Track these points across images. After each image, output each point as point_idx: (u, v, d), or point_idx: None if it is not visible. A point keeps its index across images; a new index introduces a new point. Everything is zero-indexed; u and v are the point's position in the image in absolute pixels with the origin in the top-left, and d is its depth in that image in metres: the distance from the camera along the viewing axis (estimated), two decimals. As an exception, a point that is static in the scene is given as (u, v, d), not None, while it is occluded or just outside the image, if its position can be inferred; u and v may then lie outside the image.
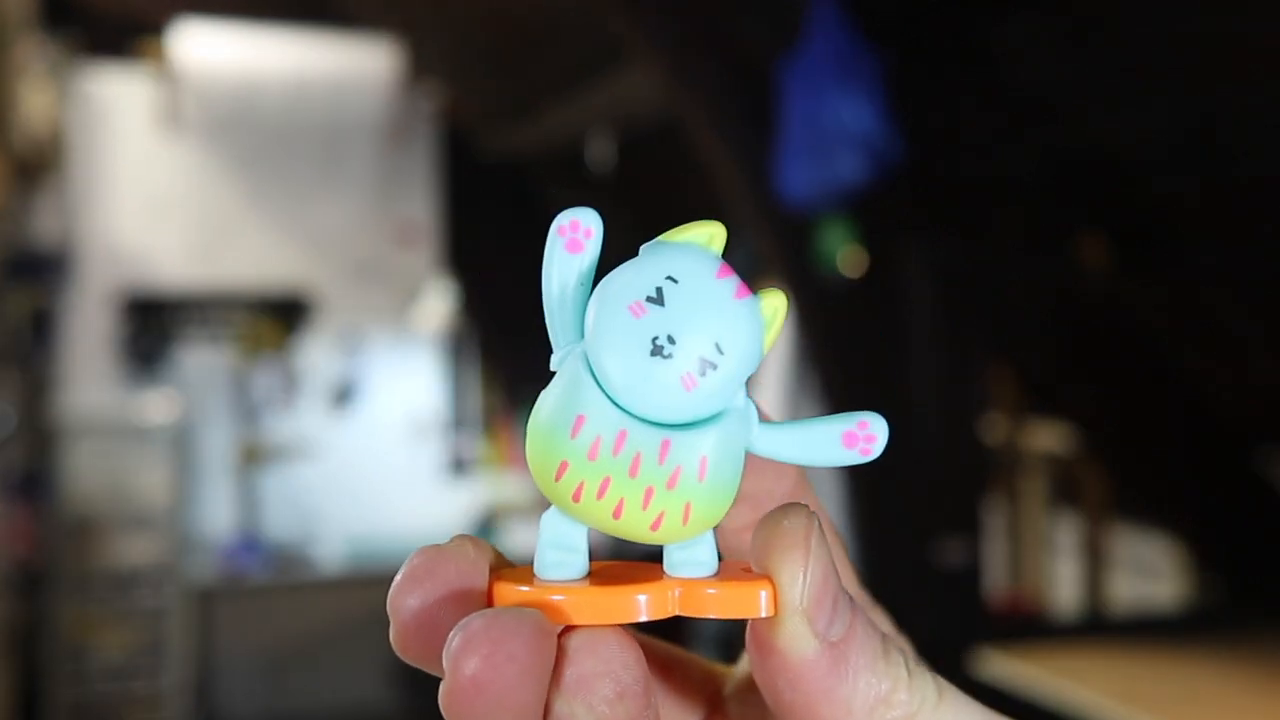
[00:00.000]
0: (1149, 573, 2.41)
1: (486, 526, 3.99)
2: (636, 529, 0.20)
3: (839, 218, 1.85)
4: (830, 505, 2.14)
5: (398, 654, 0.20)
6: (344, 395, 4.08)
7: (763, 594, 0.20)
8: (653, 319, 0.20)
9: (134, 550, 3.55)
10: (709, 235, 0.21)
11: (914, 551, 1.95)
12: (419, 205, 4.18)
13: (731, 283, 0.20)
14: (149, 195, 3.86)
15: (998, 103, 1.82)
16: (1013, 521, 2.63)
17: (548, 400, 0.20)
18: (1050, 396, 2.51)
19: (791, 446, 0.21)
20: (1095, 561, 2.46)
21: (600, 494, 0.20)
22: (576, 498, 0.20)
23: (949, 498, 2.00)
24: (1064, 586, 2.57)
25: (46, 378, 3.63)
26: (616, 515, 0.20)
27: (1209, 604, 2.24)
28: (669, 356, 0.20)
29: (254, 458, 3.92)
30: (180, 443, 3.70)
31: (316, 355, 4.06)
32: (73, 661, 3.44)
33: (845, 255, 1.89)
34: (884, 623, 0.26)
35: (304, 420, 4.03)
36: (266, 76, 3.93)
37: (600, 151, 3.40)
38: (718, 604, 0.20)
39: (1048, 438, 2.54)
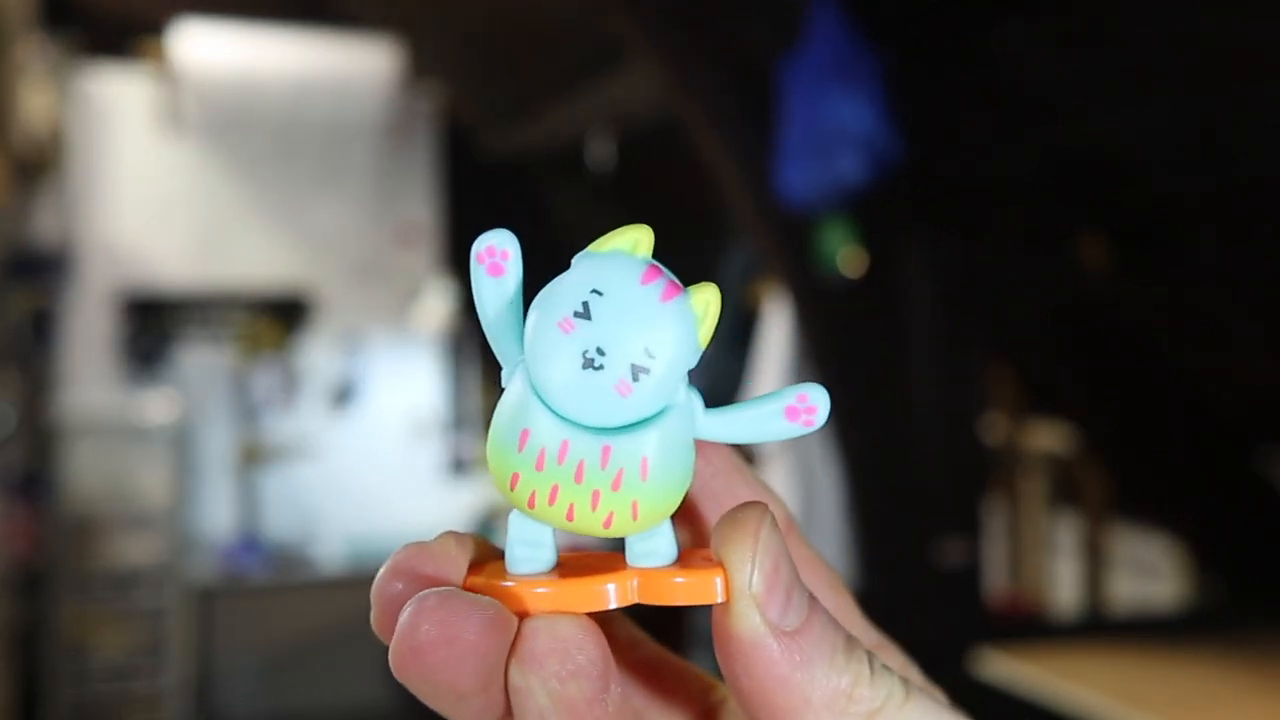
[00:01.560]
0: (1149, 573, 2.41)
1: (486, 526, 3.99)
2: (590, 528, 0.21)
3: (839, 218, 1.85)
4: (831, 506, 2.14)
5: (377, 636, 0.21)
6: (344, 395, 4.08)
7: (717, 580, 0.21)
8: (581, 333, 0.21)
9: (134, 550, 3.55)
10: (634, 240, 0.22)
11: (914, 551, 1.95)
12: (419, 205, 4.18)
13: (657, 286, 0.21)
14: (149, 195, 3.86)
15: (998, 103, 1.82)
16: (1013, 521, 2.63)
17: (498, 416, 0.21)
18: (1050, 396, 2.51)
19: (737, 426, 0.22)
20: (1095, 561, 2.46)
21: (551, 500, 0.21)
22: (531, 504, 0.21)
23: (949, 498, 2.00)
24: (1064, 586, 2.57)
25: (46, 378, 3.63)
26: (569, 518, 0.21)
27: (1209, 604, 2.24)
28: (600, 368, 0.21)
29: (254, 458, 3.93)
30: (180, 443, 3.70)
31: (316, 355, 4.06)
32: (73, 661, 3.44)
33: (845, 255, 1.89)
34: (895, 658, 0.26)
35: (304, 420, 4.03)
36: (266, 76, 3.93)
37: (600, 151, 3.40)
38: (675, 591, 0.21)
39: (1048, 438, 2.54)
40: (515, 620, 0.20)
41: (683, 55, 2.01)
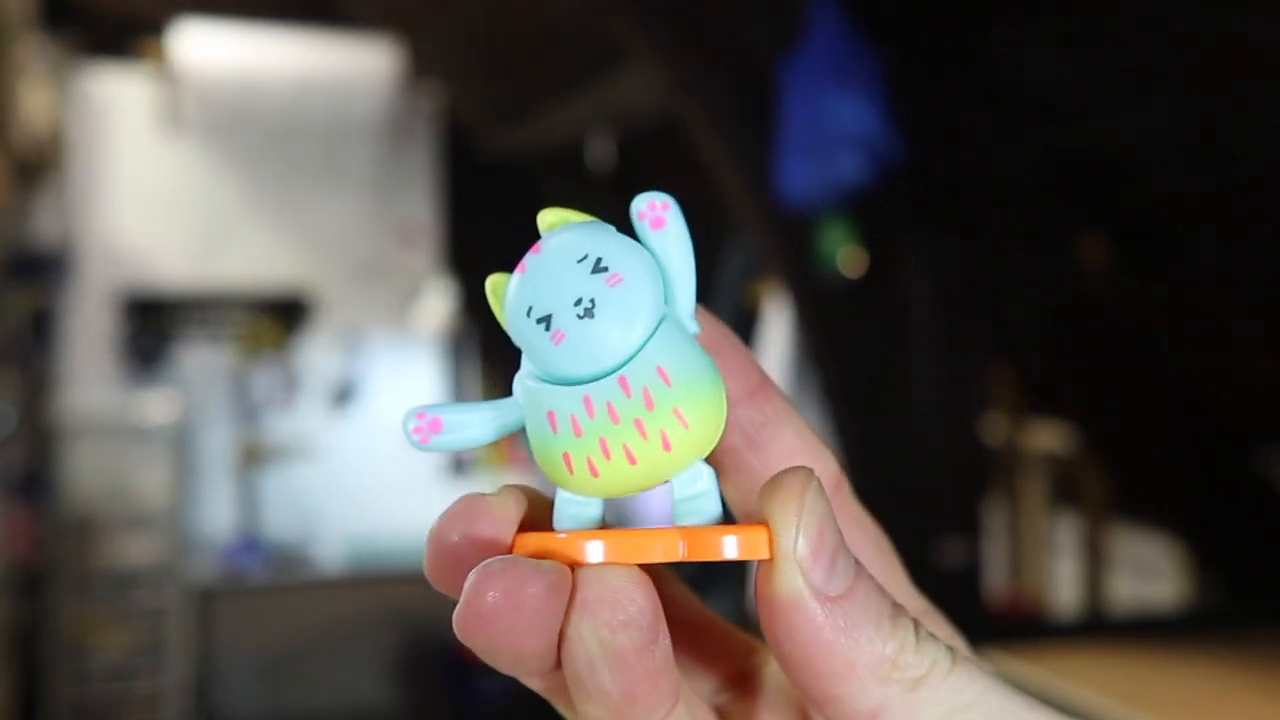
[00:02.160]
0: (1149, 573, 2.41)
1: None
2: (654, 462, 0.21)
3: (839, 218, 1.85)
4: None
5: (429, 580, 0.22)
6: (344, 395, 4.08)
7: (763, 537, 0.21)
8: (564, 318, 0.22)
9: (134, 550, 3.55)
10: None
11: (914, 551, 1.95)
12: (419, 205, 4.18)
13: (562, 227, 0.22)
14: (149, 195, 3.86)
15: (998, 103, 1.82)
16: (1013, 521, 2.63)
17: (526, 423, 0.22)
18: (1050, 396, 2.51)
19: (674, 265, 0.22)
20: (1095, 561, 2.46)
21: (607, 454, 0.21)
22: (595, 474, 0.21)
23: (949, 498, 2.00)
24: (1064, 586, 2.57)
25: (46, 378, 3.63)
26: (632, 461, 0.21)
27: (1209, 604, 2.24)
28: (590, 308, 0.21)
29: (254, 458, 3.92)
30: (180, 443, 3.70)
31: (316, 355, 4.06)
32: (73, 661, 3.44)
33: (845, 255, 1.89)
34: (941, 626, 0.26)
35: (304, 420, 4.03)
36: (267, 76, 3.92)
37: (600, 151, 3.40)
38: (722, 546, 0.21)
39: (1048, 438, 2.54)
40: (568, 579, 0.21)
41: (683, 55, 2.01)
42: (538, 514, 0.23)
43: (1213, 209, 1.74)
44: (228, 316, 3.95)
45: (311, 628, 3.77)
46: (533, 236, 0.23)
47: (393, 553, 3.87)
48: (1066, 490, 2.55)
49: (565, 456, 0.21)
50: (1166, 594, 2.35)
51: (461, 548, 0.21)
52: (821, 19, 1.70)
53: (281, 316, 4.01)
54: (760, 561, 0.21)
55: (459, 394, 4.35)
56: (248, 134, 3.95)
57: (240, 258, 3.97)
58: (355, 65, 3.97)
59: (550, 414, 0.21)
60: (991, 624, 2.14)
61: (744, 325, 2.53)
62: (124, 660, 3.50)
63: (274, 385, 3.97)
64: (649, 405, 0.21)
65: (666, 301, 0.22)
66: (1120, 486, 2.44)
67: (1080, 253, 1.90)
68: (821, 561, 0.20)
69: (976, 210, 2.00)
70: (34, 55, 3.13)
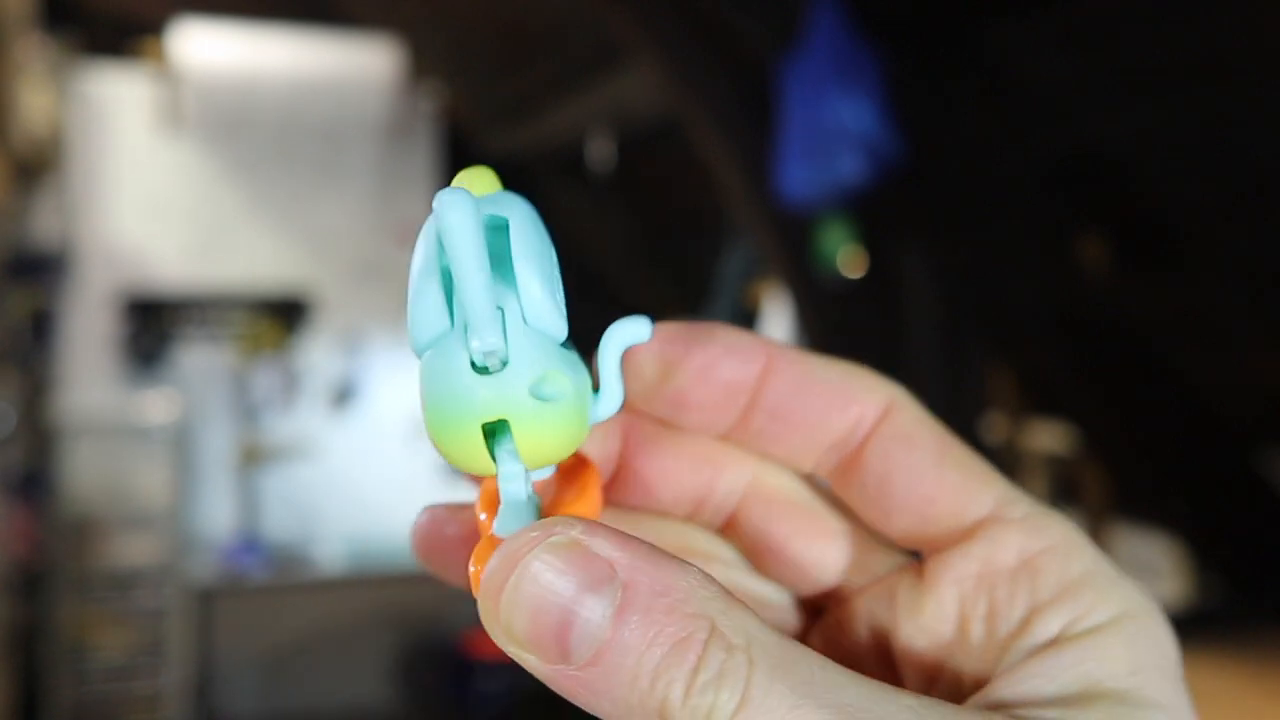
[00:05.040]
0: (1149, 573, 2.41)
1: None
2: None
3: (839, 218, 1.85)
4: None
5: (416, 556, 0.26)
6: (344, 395, 4.08)
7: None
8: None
9: (134, 550, 3.55)
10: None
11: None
12: (419, 205, 4.18)
13: (417, 240, 0.21)
14: (149, 195, 3.86)
15: (998, 103, 1.82)
16: (1013, 521, 2.62)
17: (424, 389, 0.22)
18: (1050, 396, 2.51)
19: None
20: (1095, 561, 2.46)
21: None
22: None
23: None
24: (1064, 586, 2.57)
25: (46, 378, 3.63)
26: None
27: (1209, 604, 2.24)
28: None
29: (254, 458, 3.92)
30: (180, 443, 3.70)
31: (316, 355, 4.06)
32: (73, 661, 3.44)
33: (845, 255, 1.89)
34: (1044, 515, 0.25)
35: (304, 420, 4.03)
36: (267, 76, 3.93)
37: (600, 151, 3.40)
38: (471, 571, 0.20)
39: (1048, 438, 2.54)
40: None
41: (683, 55, 2.01)
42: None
43: (1213, 209, 1.74)
44: (228, 316, 3.95)
45: (311, 628, 3.77)
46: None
47: (393, 553, 3.87)
48: (1066, 490, 2.55)
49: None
50: (1166, 594, 2.35)
51: (441, 525, 0.26)
52: (821, 19, 1.70)
53: (281, 316, 4.01)
54: None
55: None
56: (248, 134, 3.95)
57: (240, 258, 3.97)
58: (355, 65, 3.97)
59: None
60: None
61: (744, 325, 2.53)
62: (124, 660, 3.50)
63: (274, 385, 3.98)
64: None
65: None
66: (1120, 486, 2.44)
67: (1080, 253, 1.90)
68: (548, 647, 0.18)
69: (976, 210, 2.00)
70: (34, 55, 3.13)
